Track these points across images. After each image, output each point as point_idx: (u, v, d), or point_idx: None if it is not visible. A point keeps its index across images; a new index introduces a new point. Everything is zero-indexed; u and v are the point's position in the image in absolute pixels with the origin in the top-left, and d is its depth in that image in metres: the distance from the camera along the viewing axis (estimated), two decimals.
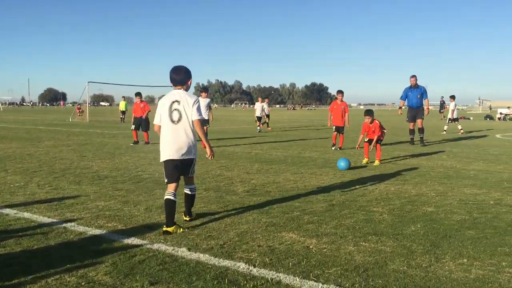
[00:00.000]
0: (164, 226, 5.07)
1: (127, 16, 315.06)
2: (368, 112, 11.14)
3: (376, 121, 10.96)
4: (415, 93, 15.40)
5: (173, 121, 5.18)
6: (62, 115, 46.92)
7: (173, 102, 5.22)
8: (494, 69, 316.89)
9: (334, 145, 14.32)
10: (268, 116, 26.08)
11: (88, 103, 41.97)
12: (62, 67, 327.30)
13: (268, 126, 25.71)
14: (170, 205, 5.13)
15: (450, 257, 4.29)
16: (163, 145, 5.27)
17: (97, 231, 5.10)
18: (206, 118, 14.53)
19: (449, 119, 23.67)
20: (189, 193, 5.56)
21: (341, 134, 14.24)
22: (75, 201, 6.55)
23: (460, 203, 6.58)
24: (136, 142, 15.53)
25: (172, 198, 5.17)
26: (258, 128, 23.54)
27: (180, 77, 5.35)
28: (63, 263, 4.05)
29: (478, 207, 6.30)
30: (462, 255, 4.35)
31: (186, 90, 5.37)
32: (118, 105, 50.50)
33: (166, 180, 5.32)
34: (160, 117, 5.27)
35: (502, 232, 5.10)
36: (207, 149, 5.41)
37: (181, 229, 5.14)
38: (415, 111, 15.56)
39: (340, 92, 14.39)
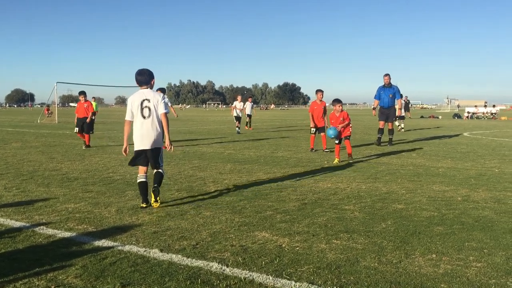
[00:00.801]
0: (141, 203, 6.25)
1: (96, 15, 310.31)
2: (338, 101, 11.02)
3: (345, 112, 11.07)
4: (387, 93, 15.06)
5: (144, 117, 6.12)
6: (30, 117, 45.86)
7: (144, 100, 6.15)
8: (462, 69, 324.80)
9: (312, 149, 13.50)
10: (250, 116, 26.04)
11: (57, 104, 41.08)
12: (30, 67, 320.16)
13: (250, 126, 25.78)
14: (143, 186, 6.26)
15: (419, 252, 4.38)
16: (136, 138, 6.19)
17: (67, 234, 5.00)
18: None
19: (397, 116, 24.56)
20: (158, 171, 6.35)
21: (323, 134, 13.43)
22: (44, 204, 6.41)
23: (429, 200, 6.72)
24: (88, 146, 14.45)
25: (143, 180, 6.27)
26: (237, 129, 21.95)
27: (144, 78, 6.26)
28: (31, 267, 3.96)
29: (446, 204, 6.45)
30: (431, 250, 4.44)
31: (151, 89, 6.30)
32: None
33: (132, 164, 6.35)
34: (132, 114, 6.17)
35: (469, 228, 5.23)
36: (166, 141, 6.23)
37: (156, 204, 6.20)
38: (387, 111, 15.17)
39: (319, 91, 13.63)
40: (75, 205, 6.37)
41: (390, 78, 15.12)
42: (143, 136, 6.12)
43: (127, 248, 4.51)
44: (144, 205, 6.18)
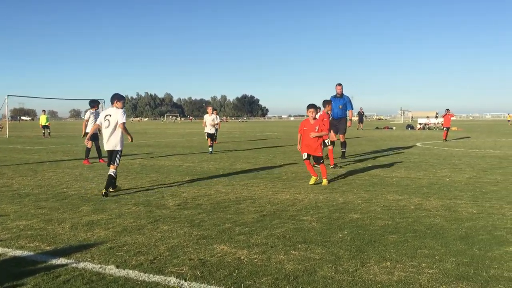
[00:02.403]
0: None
1: (48, 27, 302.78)
2: (311, 106, 9.62)
3: (319, 120, 9.79)
4: (338, 103, 14.34)
5: (106, 127, 8.44)
6: None
7: (106, 115, 8.52)
8: (414, 80, 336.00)
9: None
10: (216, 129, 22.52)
11: (8, 118, 39.62)
12: None
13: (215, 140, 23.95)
14: (110, 178, 8.34)
15: (374, 261, 4.48)
16: (104, 142, 8.55)
17: (18, 252, 4.82)
18: (96, 132, 13.40)
19: None
20: (111, 174, 8.35)
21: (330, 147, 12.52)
22: None
23: (384, 209, 6.90)
24: None
25: (112, 174, 8.35)
26: (210, 148, 17.41)
27: (112, 99, 8.67)
28: None
29: (400, 212, 6.64)
30: (386, 258, 4.56)
31: (119, 107, 8.56)
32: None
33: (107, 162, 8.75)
34: (101, 123, 8.58)
35: (421, 235, 5.40)
36: (129, 138, 8.76)
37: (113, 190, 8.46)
38: (337, 122, 14.39)
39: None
40: (27, 222, 6.16)
41: (342, 88, 14.55)
42: (105, 140, 8.47)
43: (81, 265, 4.40)
44: (105, 190, 8.16)
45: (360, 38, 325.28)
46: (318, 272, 4.18)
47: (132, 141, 8.97)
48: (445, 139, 24.76)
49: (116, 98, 8.60)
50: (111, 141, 8.36)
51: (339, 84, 14.62)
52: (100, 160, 13.99)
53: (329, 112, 12.61)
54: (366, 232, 5.53)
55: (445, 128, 25.74)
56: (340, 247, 4.92)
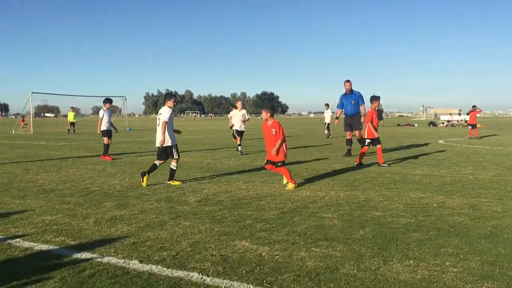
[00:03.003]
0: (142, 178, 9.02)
1: (71, 25, 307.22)
2: (266, 107, 8.84)
3: (276, 122, 8.68)
4: (349, 100, 14.29)
5: (157, 125, 9.08)
6: (5, 127, 44.99)
7: (159, 113, 9.21)
8: (438, 78, 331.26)
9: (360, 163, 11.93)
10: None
11: (32, 115, 40.39)
12: (3, 77, 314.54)
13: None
14: (171, 170, 9.18)
15: (397, 259, 4.45)
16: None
17: (44, 246, 4.93)
18: (109, 129, 14.44)
19: (326, 123, 26.44)
20: (171, 167, 9.22)
21: (379, 146, 12.13)
22: (20, 216, 6.30)
23: (406, 207, 6.83)
24: None
25: (157, 164, 9.21)
26: (239, 148, 15.81)
27: (163, 99, 9.60)
28: (8, 281, 3.89)
29: (423, 210, 6.56)
30: (409, 257, 4.52)
31: (169, 106, 9.20)
32: (65, 116, 49.06)
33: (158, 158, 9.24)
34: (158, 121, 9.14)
35: (445, 234, 5.34)
36: (162, 138, 9.05)
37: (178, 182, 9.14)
38: (350, 119, 14.42)
39: (376, 98, 12.10)
40: (52, 217, 6.28)
41: (351, 84, 14.38)
42: (156, 137, 9.24)
43: (106, 259, 4.47)
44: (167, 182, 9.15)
45: (380, 35, 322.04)
46: (340, 269, 4.17)
47: (162, 145, 9.02)
48: (474, 136, 23.78)
49: (166, 97, 9.43)
50: (158, 138, 9.02)
51: (348, 81, 14.48)
52: (105, 156, 14.18)
53: (377, 108, 12.29)
54: (388, 230, 5.49)
55: (470, 126, 24.79)
56: (362, 245, 4.90)
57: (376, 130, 12.08)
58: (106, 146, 14.12)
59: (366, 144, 12.10)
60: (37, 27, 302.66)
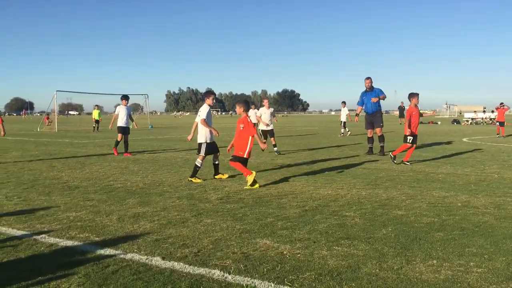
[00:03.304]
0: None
1: (94, 24, 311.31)
2: (240, 102, 8.95)
3: (245, 117, 8.75)
4: (369, 97, 14.06)
5: (197, 121, 9.39)
6: (30, 125, 45.91)
7: (199, 111, 9.45)
8: (461, 75, 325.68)
9: (404, 162, 11.79)
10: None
11: (57, 113, 41.11)
12: (29, 76, 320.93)
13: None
14: (194, 167, 9.28)
15: (420, 259, 4.40)
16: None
17: (69, 242, 5.02)
18: (126, 126, 14.89)
19: (342, 122, 26.02)
20: (195, 163, 9.31)
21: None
22: (45, 212, 6.43)
23: (429, 206, 6.74)
24: None
25: (196, 163, 9.32)
26: (276, 148, 15.03)
27: (203, 97, 10.08)
28: (34, 276, 3.97)
29: (447, 210, 6.47)
30: (432, 256, 4.46)
31: (208, 104, 9.43)
32: (89, 114, 49.64)
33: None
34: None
35: (469, 233, 5.25)
36: (214, 132, 9.47)
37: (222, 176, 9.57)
38: (371, 117, 14.29)
39: (415, 94, 11.83)
40: (77, 213, 6.39)
41: (371, 82, 14.18)
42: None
43: (129, 256, 4.53)
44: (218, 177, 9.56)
45: (402, 31, 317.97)
46: (362, 268, 4.14)
47: (217, 134, 9.51)
48: (500, 134, 23.27)
49: (205, 95, 9.69)
50: (197, 135, 9.43)
51: (368, 78, 14.29)
52: (125, 153, 14.55)
53: (417, 104, 12.09)
54: (411, 229, 5.43)
55: (497, 123, 24.31)
56: (384, 244, 4.86)
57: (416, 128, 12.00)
58: (117, 142, 14.77)
59: (409, 141, 11.88)
60: (63, 25, 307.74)
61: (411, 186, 8.40)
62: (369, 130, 14.47)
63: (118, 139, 14.75)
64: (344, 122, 25.76)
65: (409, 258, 4.42)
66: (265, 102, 15.97)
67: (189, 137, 9.89)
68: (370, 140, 14.49)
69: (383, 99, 14.26)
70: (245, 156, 8.65)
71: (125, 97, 15.30)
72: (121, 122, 14.84)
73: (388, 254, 4.54)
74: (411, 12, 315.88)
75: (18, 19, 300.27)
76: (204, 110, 9.35)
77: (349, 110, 26.85)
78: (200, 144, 9.35)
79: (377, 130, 14.20)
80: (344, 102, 26.81)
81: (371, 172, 10.35)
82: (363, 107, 14.56)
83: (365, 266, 4.21)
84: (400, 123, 42.94)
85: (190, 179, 9.18)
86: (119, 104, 15.47)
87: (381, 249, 4.70)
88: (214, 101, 9.72)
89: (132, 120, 15.53)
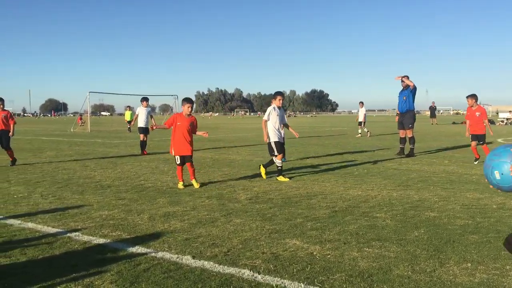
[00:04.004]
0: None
1: (127, 26, 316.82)
2: (188, 100, 8.77)
3: (193, 116, 8.90)
4: (402, 96, 13.70)
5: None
6: (64, 126, 47.04)
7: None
8: (495, 73, 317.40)
9: (476, 159, 12.05)
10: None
11: (89, 113, 42.01)
12: (63, 77, 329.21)
13: None
14: (277, 168, 9.39)
15: (454, 261, 4.30)
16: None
17: (101, 240, 5.11)
18: (145, 126, 15.54)
19: (360, 122, 25.82)
20: (276, 164, 9.47)
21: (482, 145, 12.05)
22: (79, 211, 6.58)
23: (463, 207, 6.59)
24: (13, 161, 12.38)
25: (272, 160, 9.49)
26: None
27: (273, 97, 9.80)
28: (68, 272, 4.07)
29: (481, 212, 6.31)
30: (466, 259, 4.36)
31: (275, 104, 9.54)
32: (121, 114, 50.52)
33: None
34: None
35: (505, 236, 5.09)
36: (264, 135, 9.47)
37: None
38: (402, 117, 13.91)
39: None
40: (109, 212, 6.51)
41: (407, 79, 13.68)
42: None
43: (160, 254, 4.59)
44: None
45: (433, 29, 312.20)
46: (393, 270, 4.08)
47: (266, 141, 9.49)
48: None
49: (274, 95, 9.69)
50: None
51: (403, 77, 13.83)
52: (143, 152, 15.17)
53: (473, 107, 12.15)
54: (444, 232, 5.31)
55: None
56: (416, 246, 4.77)
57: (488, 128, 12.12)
58: (141, 142, 15.36)
59: (480, 141, 12.08)
60: (96, 28, 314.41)
61: (444, 188, 8.23)
62: (400, 131, 14.14)
63: (141, 139, 15.36)
64: (363, 122, 25.60)
65: (442, 260, 4.33)
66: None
67: (265, 139, 9.52)
68: (402, 140, 14.13)
69: (408, 81, 13.56)
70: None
71: (145, 99, 16.11)
72: (141, 123, 15.59)
73: (421, 256, 4.46)
74: (442, 10, 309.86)
75: (54, 23, 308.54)
76: (267, 111, 9.56)
77: (366, 110, 26.63)
78: (268, 144, 9.45)
79: (407, 131, 13.84)
80: (361, 102, 26.57)
81: (402, 173, 10.19)
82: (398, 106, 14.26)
83: (397, 268, 4.14)
84: (432, 124, 42.16)
85: (277, 178, 9.28)
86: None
87: (413, 251, 4.62)
88: (281, 102, 9.62)
89: (152, 117, 16.15)
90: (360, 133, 25.41)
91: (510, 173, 2.72)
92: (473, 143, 12.15)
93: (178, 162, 8.56)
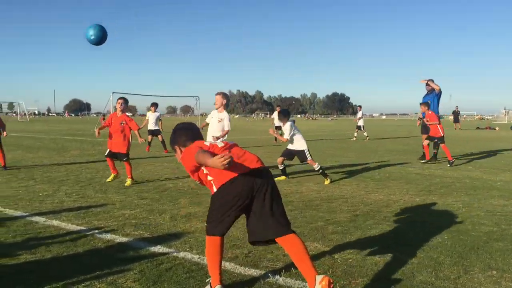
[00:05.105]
0: None
1: (149, 27, 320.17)
2: (122, 98, 9.38)
3: (125, 114, 9.37)
4: (425, 100, 13.43)
5: None
6: (87, 125, 47.72)
7: None
8: None
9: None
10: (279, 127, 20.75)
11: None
12: (87, 78, 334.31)
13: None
14: (320, 172, 9.33)
15: (479, 269, 4.23)
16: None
17: (124, 239, 5.17)
18: (154, 128, 16.90)
19: (357, 126, 26.00)
20: (317, 169, 9.44)
21: None
22: (102, 210, 6.67)
23: (488, 214, 6.47)
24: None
25: (317, 169, 9.34)
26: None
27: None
28: (92, 270, 4.13)
29: (506, 219, 6.19)
30: (491, 267, 4.28)
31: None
32: (143, 115, 50.94)
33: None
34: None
35: None
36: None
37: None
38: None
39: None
40: (131, 211, 6.58)
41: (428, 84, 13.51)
42: None
43: (182, 254, 4.62)
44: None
45: (456, 32, 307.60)
46: (416, 276, 4.03)
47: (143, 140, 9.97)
48: None
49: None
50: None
51: (428, 80, 13.63)
52: (165, 150, 16.12)
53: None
54: (468, 238, 5.23)
55: None
56: (440, 252, 4.70)
57: None
58: (148, 142, 16.65)
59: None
60: (118, 29, 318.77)
61: (468, 194, 8.10)
62: (423, 136, 13.93)
63: (148, 140, 16.63)
64: (361, 126, 25.79)
65: (466, 267, 4.26)
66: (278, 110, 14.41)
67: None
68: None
69: (433, 84, 13.34)
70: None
71: (154, 104, 17.23)
72: (151, 125, 16.87)
73: (444, 263, 4.40)
74: (465, 14, 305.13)
75: (75, 24, 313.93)
76: (289, 127, 9.51)
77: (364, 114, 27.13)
78: (303, 151, 9.39)
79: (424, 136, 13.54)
80: (360, 106, 27.02)
81: (425, 178, 10.06)
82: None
83: (420, 274, 4.09)
84: (455, 129, 41.51)
85: (325, 182, 9.19)
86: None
87: (436, 257, 4.56)
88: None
89: (160, 121, 17.31)
90: (355, 136, 25.64)
91: None
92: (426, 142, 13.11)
93: (107, 154, 9.40)
